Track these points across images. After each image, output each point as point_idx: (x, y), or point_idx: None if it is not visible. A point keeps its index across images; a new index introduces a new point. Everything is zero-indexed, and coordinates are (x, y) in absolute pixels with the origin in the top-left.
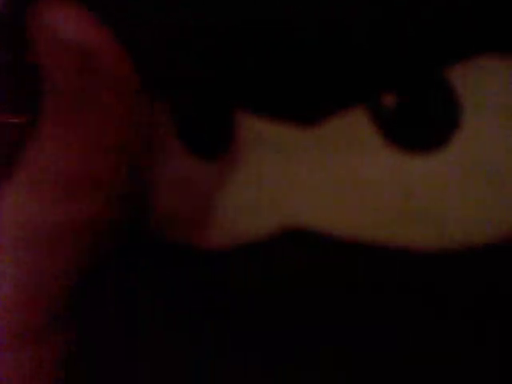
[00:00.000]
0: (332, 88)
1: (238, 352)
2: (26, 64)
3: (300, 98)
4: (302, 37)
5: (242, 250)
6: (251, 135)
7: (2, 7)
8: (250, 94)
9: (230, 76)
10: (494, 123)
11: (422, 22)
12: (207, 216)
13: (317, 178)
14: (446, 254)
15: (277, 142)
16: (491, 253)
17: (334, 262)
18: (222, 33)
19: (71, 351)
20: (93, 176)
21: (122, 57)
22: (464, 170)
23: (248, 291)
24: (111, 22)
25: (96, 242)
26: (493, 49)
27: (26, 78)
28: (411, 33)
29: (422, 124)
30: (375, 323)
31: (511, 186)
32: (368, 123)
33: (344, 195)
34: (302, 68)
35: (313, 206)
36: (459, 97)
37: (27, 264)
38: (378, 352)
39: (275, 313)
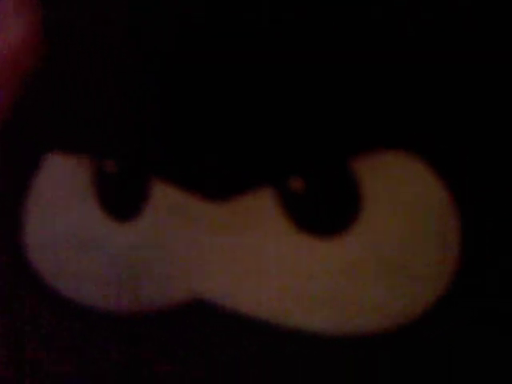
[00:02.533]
0: (240, 167)
1: None
2: None
3: (210, 173)
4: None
5: (151, 317)
6: (166, 203)
7: None
8: (167, 164)
9: (152, 147)
10: (391, 215)
11: (328, 112)
12: (114, 278)
13: (224, 254)
14: (346, 337)
15: (189, 214)
16: (387, 340)
17: (232, 337)
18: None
19: None
20: None
21: None
22: (360, 255)
23: (155, 356)
24: None
25: None
26: (398, 146)
27: None
28: (317, 119)
29: (326, 210)
30: None
31: (403, 274)
32: (275, 205)
33: (248, 272)
34: (212, 145)
35: (218, 281)
36: (362, 188)
37: None
38: None
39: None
